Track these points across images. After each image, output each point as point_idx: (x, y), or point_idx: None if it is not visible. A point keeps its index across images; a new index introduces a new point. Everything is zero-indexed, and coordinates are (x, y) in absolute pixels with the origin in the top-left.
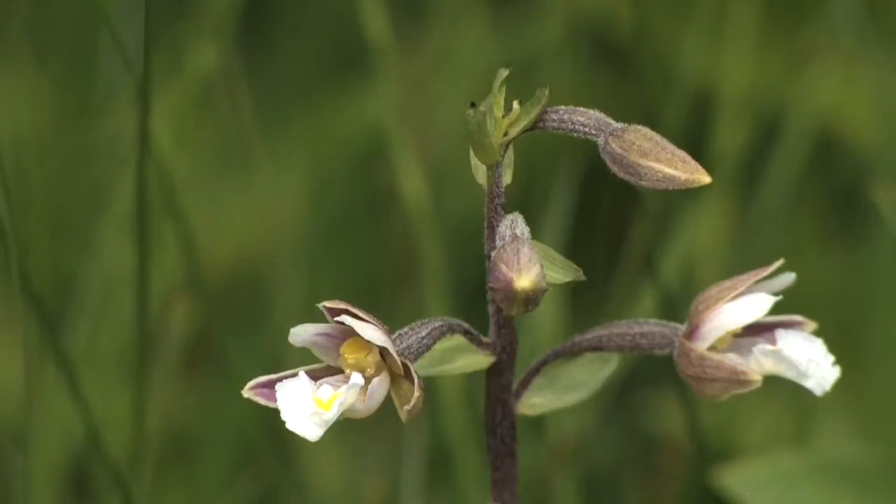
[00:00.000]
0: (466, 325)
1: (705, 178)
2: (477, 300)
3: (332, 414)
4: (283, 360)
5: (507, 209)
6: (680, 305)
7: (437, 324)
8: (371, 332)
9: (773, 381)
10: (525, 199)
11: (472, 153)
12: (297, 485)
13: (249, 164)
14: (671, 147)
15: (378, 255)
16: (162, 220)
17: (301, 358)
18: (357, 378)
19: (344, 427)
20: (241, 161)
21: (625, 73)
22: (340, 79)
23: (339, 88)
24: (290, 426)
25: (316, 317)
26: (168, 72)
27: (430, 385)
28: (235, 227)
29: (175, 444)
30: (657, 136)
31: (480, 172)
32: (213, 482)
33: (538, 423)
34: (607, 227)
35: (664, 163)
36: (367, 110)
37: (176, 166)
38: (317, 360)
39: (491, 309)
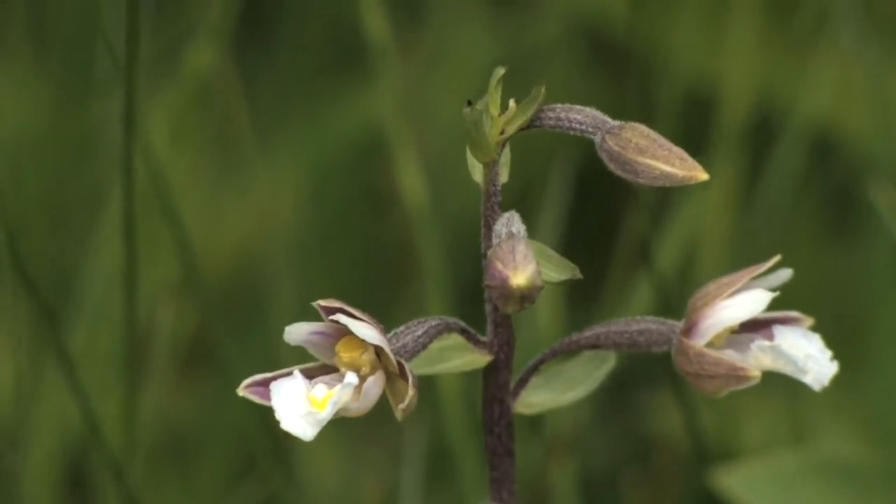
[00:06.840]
0: (463, 324)
1: (702, 175)
2: (475, 300)
3: (325, 413)
4: (281, 360)
5: (505, 207)
6: (676, 301)
7: (433, 322)
8: (365, 330)
9: (770, 381)
10: (522, 198)
11: (468, 151)
12: (295, 485)
13: (247, 164)
14: (668, 144)
15: (376, 254)
16: (159, 219)
17: (298, 359)
18: (351, 377)
19: (343, 428)
20: (238, 161)
21: (621, 72)
22: (338, 78)
23: (337, 87)
24: (283, 425)
25: (313, 317)
26: (165, 72)
27: (429, 385)
28: (233, 227)
29: (173, 444)
30: (654, 134)
31: (477, 170)
32: (211, 483)
33: (536, 421)
34: (603, 224)
35: (661, 160)
36: (365, 109)
37: (173, 166)
38: (314, 359)
39: (488, 307)
